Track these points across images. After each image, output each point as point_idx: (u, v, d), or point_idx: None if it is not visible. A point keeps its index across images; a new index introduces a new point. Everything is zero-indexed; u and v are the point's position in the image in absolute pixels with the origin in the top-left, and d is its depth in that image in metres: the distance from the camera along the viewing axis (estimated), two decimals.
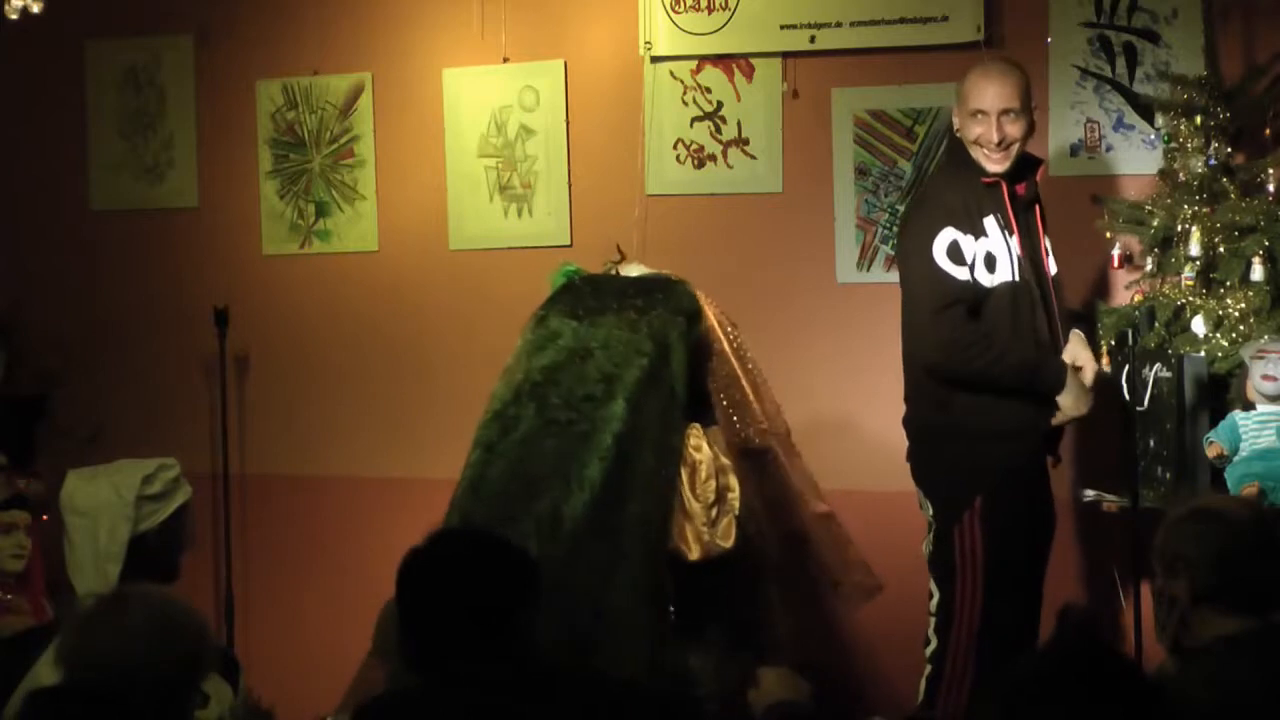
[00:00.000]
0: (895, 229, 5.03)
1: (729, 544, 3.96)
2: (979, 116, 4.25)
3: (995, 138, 4.23)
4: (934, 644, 4.28)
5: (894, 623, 4.79)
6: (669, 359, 3.98)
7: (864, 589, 4.45)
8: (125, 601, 2.78)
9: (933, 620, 4.29)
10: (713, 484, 3.95)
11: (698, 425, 4.03)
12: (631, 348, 3.96)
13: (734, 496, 4.00)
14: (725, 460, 4.03)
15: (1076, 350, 4.30)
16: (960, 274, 4.15)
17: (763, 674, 3.57)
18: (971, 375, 4.16)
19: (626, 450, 3.85)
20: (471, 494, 3.90)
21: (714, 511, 3.95)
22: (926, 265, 4.16)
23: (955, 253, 4.15)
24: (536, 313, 4.15)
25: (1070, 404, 4.22)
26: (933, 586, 4.31)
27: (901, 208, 5.15)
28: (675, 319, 4.02)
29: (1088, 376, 4.26)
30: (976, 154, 4.26)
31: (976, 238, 4.18)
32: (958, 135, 4.33)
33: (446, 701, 2.77)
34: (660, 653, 3.79)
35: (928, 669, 4.28)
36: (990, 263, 4.18)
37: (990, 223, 4.20)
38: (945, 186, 4.30)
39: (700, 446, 3.97)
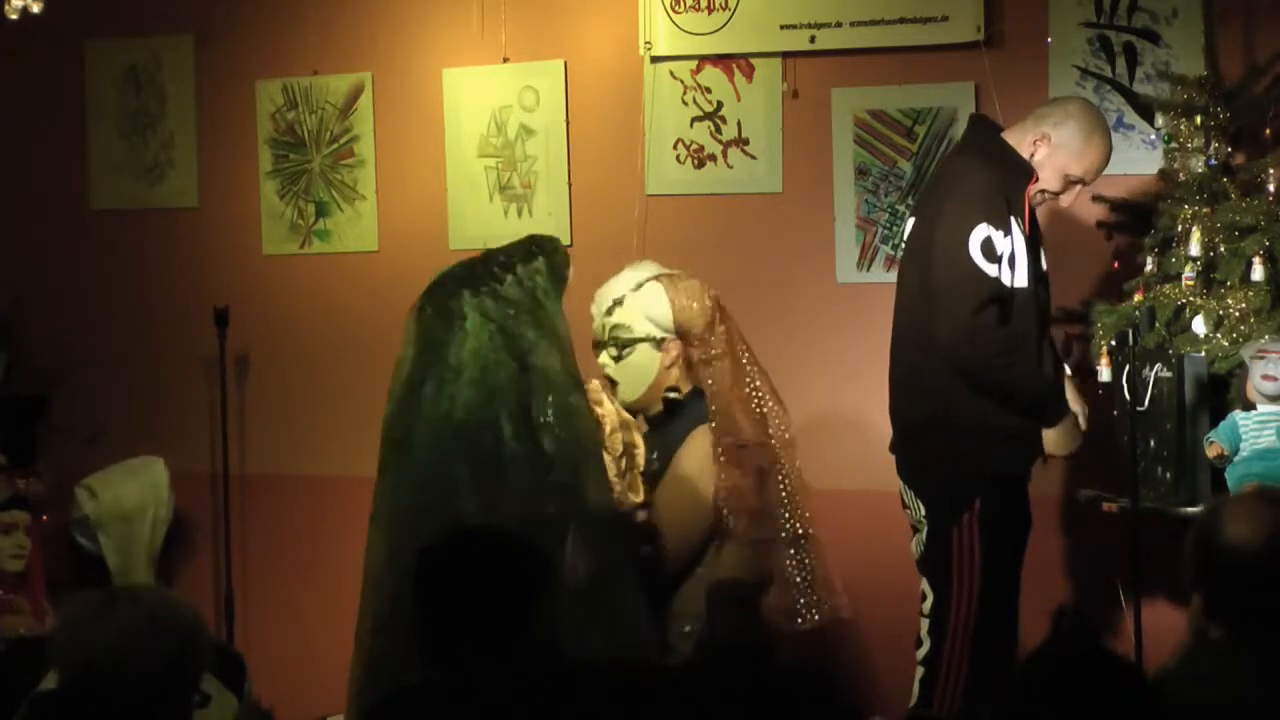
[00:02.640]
0: (906, 213, 4.94)
1: (639, 498, 3.96)
2: (1076, 185, 4.33)
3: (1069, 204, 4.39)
4: (927, 646, 4.26)
5: (893, 623, 4.79)
6: (543, 310, 3.90)
7: (829, 611, 4.43)
8: (115, 600, 2.78)
9: (926, 622, 4.28)
10: (619, 437, 3.94)
11: (597, 381, 4.03)
12: (505, 317, 3.90)
13: (639, 452, 3.99)
14: (627, 416, 4.02)
15: (1071, 396, 4.34)
16: (992, 270, 4.13)
17: (725, 550, 3.61)
18: (991, 382, 4.17)
19: (528, 417, 3.78)
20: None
21: (623, 463, 3.95)
22: (962, 260, 4.12)
23: (989, 249, 4.13)
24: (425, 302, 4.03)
25: (1053, 439, 4.26)
26: (926, 588, 4.30)
27: (902, 207, 5.15)
28: (536, 265, 3.95)
29: (1082, 421, 4.32)
30: (1041, 191, 4.31)
31: (1005, 234, 4.17)
32: (1003, 136, 4.35)
33: (467, 696, 2.78)
34: (628, 635, 3.73)
35: (920, 671, 4.27)
36: (1012, 262, 4.19)
37: (1014, 223, 4.20)
38: (980, 177, 4.24)
39: (601, 401, 3.97)
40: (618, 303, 4.29)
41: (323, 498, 5.85)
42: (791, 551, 4.25)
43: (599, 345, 4.28)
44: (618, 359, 4.23)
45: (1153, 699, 2.23)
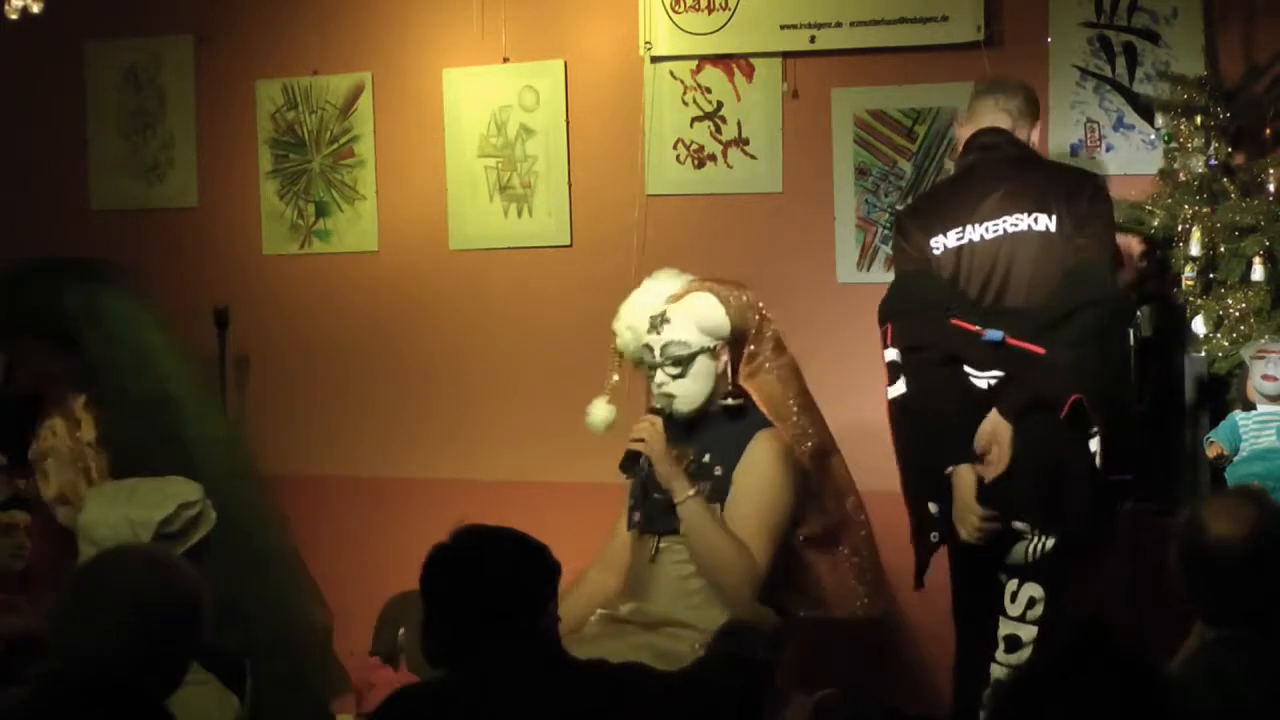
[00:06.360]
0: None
1: None
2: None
3: None
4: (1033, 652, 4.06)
5: (897, 622, 4.80)
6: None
7: (868, 609, 4.41)
8: (109, 578, 2.75)
9: (1033, 629, 4.06)
10: None
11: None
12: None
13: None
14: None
15: None
16: None
17: None
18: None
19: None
20: None
21: None
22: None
23: None
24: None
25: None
26: (1037, 592, 4.06)
27: (902, 207, 5.15)
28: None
29: None
30: None
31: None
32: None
33: (471, 693, 2.79)
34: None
35: None
36: None
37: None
38: None
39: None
40: (663, 319, 4.22)
41: (322, 497, 5.84)
42: (845, 543, 4.32)
43: (648, 365, 4.22)
44: (679, 375, 4.18)
45: (1164, 697, 2.23)
